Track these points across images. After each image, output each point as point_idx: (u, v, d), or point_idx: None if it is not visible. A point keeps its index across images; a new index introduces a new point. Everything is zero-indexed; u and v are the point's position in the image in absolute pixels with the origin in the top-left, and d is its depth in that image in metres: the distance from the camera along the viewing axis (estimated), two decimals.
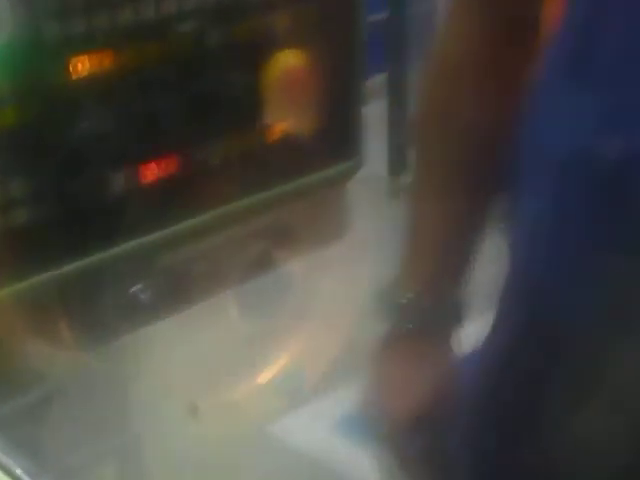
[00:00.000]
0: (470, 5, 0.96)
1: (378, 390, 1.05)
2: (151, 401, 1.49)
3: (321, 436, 1.86)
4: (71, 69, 1.26)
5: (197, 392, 1.47)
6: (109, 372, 1.45)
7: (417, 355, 1.01)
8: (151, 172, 1.37)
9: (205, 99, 1.42)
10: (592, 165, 0.81)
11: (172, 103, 1.39)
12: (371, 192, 1.78)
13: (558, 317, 0.87)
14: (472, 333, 1.03)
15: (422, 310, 0.99)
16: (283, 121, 1.50)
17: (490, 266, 1.01)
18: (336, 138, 1.61)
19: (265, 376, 1.64)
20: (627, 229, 0.81)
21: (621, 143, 0.79)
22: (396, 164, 3.44)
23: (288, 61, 1.49)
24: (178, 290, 1.44)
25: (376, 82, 2.65)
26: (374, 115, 2.00)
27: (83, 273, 1.32)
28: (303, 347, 1.64)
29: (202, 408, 1.45)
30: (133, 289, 1.37)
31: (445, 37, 1.00)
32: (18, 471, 0.89)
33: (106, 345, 1.41)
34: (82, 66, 1.27)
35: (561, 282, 0.86)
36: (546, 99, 0.87)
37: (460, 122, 0.98)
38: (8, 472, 0.89)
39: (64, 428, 1.37)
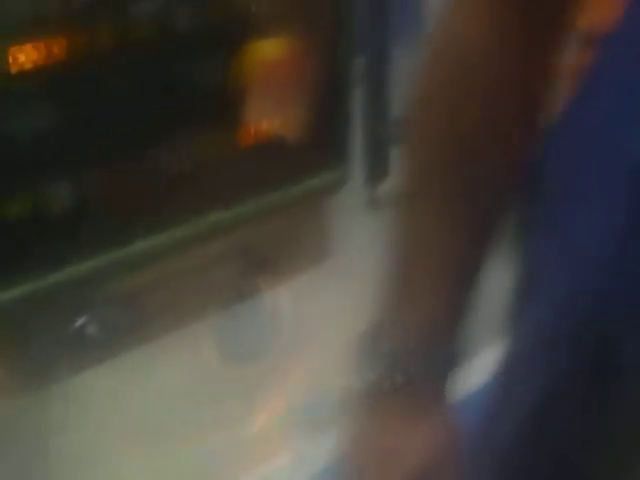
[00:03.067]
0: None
1: (361, 461, 0.86)
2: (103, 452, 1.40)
3: None
4: (13, 57, 1.20)
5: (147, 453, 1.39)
6: (42, 422, 1.39)
7: (408, 416, 0.83)
8: (102, 180, 1.32)
9: (171, 94, 1.38)
10: None
11: (132, 99, 1.34)
12: (346, 203, 1.64)
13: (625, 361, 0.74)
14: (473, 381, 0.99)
15: (413, 360, 0.82)
16: (262, 121, 1.47)
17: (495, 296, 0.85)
18: (322, 142, 1.56)
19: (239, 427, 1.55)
20: None
21: None
22: (375, 168, 3.39)
23: (269, 50, 1.49)
24: (134, 323, 1.37)
25: (353, 68, 2.62)
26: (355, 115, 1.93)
27: (17, 304, 1.26)
28: (291, 396, 1.57)
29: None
30: (78, 323, 1.30)
31: (455, 17, 0.78)
32: None
33: (44, 390, 1.34)
34: (25, 57, 1.21)
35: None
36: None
37: (469, 117, 0.79)
38: None
39: None
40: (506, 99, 0.81)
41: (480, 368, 0.99)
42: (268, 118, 1.46)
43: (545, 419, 0.82)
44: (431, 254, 0.83)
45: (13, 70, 1.19)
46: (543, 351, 0.82)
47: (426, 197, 0.84)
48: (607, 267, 0.76)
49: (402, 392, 0.81)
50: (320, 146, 1.56)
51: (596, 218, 0.76)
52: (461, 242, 0.83)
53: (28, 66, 1.21)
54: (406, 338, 0.82)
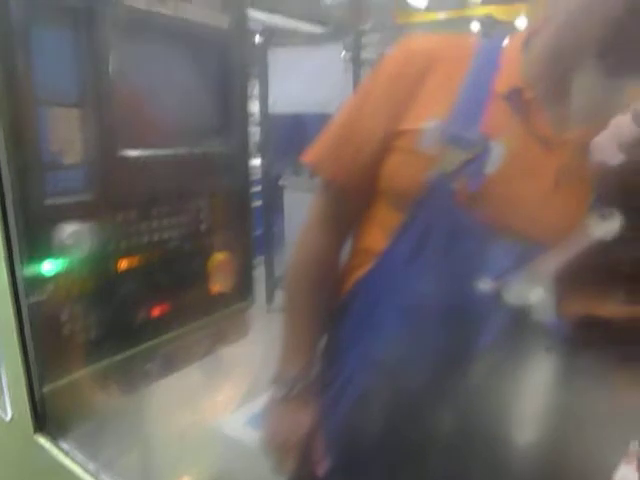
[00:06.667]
0: (321, 229, 0.88)
1: (274, 430, 0.93)
2: (158, 417, 1.39)
3: (240, 426, 1.73)
4: (120, 265, 1.21)
5: (182, 413, 1.37)
6: (136, 405, 1.35)
7: (295, 409, 0.91)
8: (155, 310, 1.31)
9: (182, 275, 1.37)
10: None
11: (167, 278, 1.33)
12: (256, 312, 1.61)
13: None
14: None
15: (300, 382, 0.91)
16: (216, 285, 1.45)
17: None
18: (241, 289, 1.54)
19: (211, 403, 1.54)
20: None
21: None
22: (269, 297, 3.58)
23: (219, 257, 1.44)
24: (169, 365, 1.35)
25: (258, 260, 2.70)
26: (258, 272, 1.96)
27: (126, 359, 1.24)
28: (231, 387, 1.56)
29: (184, 420, 1.36)
30: (147, 366, 1.30)
31: (306, 243, 0.91)
32: (83, 460, 0.93)
33: (135, 392, 1.30)
34: (124, 263, 1.22)
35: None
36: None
37: (316, 291, 0.91)
38: (78, 463, 0.93)
39: (113, 436, 1.24)
40: (331, 272, 0.89)
41: None
42: (218, 284, 1.45)
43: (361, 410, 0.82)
44: (303, 336, 0.91)
45: (120, 271, 1.19)
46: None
47: (297, 311, 0.92)
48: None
49: (297, 397, 0.90)
50: (242, 290, 1.56)
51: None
52: (315, 333, 0.91)
53: (124, 269, 1.20)
54: (296, 373, 0.91)
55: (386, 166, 0.75)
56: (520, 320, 0.69)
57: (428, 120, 0.71)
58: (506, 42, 0.75)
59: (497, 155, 0.68)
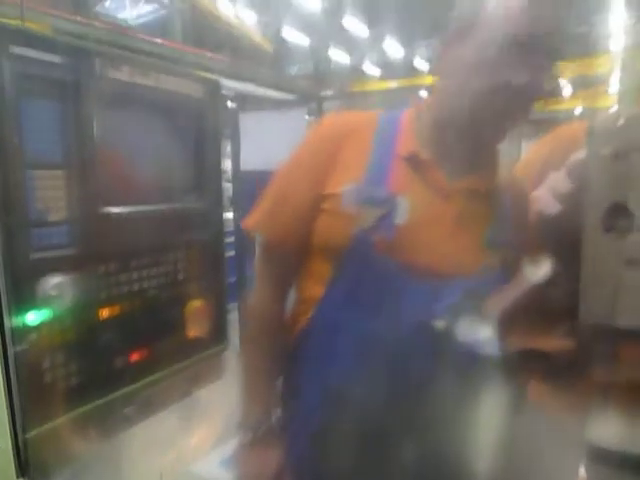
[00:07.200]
0: (266, 284, 0.89)
1: (244, 473, 0.93)
2: (137, 460, 1.33)
3: (214, 467, 1.61)
4: (101, 314, 1.20)
5: (158, 456, 1.32)
6: (116, 449, 1.30)
7: (262, 451, 0.89)
8: (134, 356, 1.29)
9: (160, 322, 1.35)
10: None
11: (146, 325, 1.31)
12: (229, 356, 1.56)
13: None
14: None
15: (260, 427, 0.89)
16: (193, 330, 1.44)
17: None
18: (216, 333, 1.53)
19: (187, 444, 1.50)
20: None
21: None
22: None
23: (195, 304, 1.44)
24: (147, 408, 1.31)
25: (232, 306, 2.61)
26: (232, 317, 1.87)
27: (106, 403, 1.21)
28: (205, 430, 1.51)
29: (162, 463, 1.30)
30: (127, 410, 1.26)
31: (254, 296, 0.92)
32: None
33: (114, 437, 1.25)
34: (105, 312, 1.21)
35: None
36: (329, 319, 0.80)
37: (266, 339, 0.90)
38: None
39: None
40: (277, 320, 0.89)
41: None
42: (195, 330, 1.43)
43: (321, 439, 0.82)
44: (260, 382, 0.90)
45: (101, 319, 1.18)
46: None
47: (249, 359, 0.91)
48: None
49: (262, 440, 0.88)
50: (217, 335, 1.52)
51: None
52: (270, 377, 0.90)
53: (105, 317, 1.19)
54: (257, 418, 0.89)
55: (317, 225, 0.79)
56: (468, 354, 0.72)
57: (346, 184, 0.76)
58: (401, 114, 0.82)
59: (404, 209, 0.74)
